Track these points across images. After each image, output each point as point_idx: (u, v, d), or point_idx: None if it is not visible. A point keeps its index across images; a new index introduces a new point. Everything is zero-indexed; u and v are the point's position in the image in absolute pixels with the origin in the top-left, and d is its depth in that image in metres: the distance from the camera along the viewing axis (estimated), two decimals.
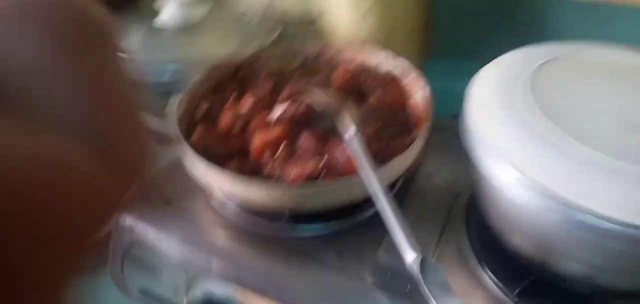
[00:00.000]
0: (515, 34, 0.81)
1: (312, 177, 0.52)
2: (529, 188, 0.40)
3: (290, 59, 0.72)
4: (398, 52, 0.68)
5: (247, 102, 0.63)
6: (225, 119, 0.61)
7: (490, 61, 0.55)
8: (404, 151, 0.55)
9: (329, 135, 0.57)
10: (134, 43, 0.78)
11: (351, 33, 0.79)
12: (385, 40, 0.78)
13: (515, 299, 0.48)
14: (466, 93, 0.51)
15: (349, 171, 0.53)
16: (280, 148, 0.55)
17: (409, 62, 0.67)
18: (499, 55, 0.55)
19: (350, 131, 0.54)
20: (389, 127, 0.62)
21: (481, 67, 0.54)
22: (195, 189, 0.58)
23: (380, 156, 0.56)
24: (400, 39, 0.81)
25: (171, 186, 0.61)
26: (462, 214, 0.57)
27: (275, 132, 0.57)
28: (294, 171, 0.53)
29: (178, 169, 0.56)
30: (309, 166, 0.53)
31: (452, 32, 0.87)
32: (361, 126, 0.57)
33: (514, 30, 0.83)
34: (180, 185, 0.61)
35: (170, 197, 0.60)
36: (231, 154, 0.57)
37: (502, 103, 0.48)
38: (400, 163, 0.54)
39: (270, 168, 0.55)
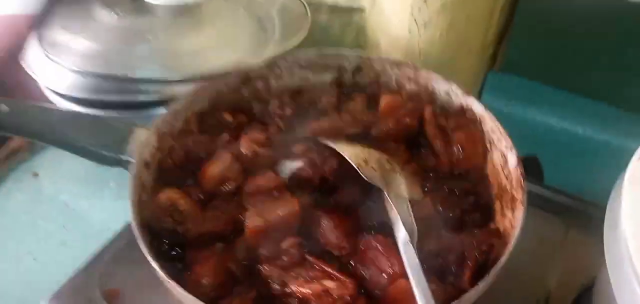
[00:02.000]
0: (609, 60, 0.59)
1: None
2: None
3: (318, 72, 0.51)
4: (461, 71, 0.47)
5: (247, 146, 0.42)
6: (212, 171, 0.40)
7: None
8: (485, 254, 0.34)
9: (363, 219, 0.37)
10: (103, 25, 0.54)
11: (405, 43, 0.57)
12: (449, 61, 0.56)
13: None
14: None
15: (397, 296, 0.32)
16: (289, 242, 0.34)
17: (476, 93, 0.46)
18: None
19: (403, 229, 0.33)
20: (458, 200, 0.40)
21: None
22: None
23: (446, 257, 0.35)
24: (465, 57, 0.59)
25: (120, 275, 0.40)
26: None
27: (280, 210, 0.35)
28: (311, 294, 0.31)
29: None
30: (337, 288, 0.31)
31: (526, 47, 0.65)
32: (418, 204, 0.37)
33: (608, 56, 0.60)
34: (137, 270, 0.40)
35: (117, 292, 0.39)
36: (216, 235, 0.37)
37: None
38: (487, 284, 0.32)
39: (272, 273, 0.34)
